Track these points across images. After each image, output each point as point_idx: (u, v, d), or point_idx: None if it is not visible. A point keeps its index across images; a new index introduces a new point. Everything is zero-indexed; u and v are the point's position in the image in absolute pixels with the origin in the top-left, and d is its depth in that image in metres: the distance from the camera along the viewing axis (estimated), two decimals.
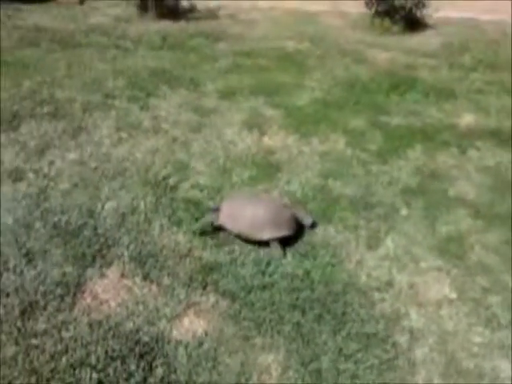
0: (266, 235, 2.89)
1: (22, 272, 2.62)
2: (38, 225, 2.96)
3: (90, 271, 2.67)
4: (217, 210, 3.04)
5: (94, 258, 2.74)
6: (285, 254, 2.86)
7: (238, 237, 2.93)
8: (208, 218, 3.03)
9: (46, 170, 3.48)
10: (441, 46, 7.07)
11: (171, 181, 3.44)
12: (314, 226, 3.09)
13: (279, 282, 2.68)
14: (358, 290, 2.69)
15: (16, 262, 2.67)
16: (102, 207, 3.15)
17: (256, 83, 5.31)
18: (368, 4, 8.33)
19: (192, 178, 3.51)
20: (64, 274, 2.62)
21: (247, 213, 2.91)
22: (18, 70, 5.16)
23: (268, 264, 2.79)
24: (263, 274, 2.72)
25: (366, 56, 6.55)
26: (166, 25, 7.31)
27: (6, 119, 4.08)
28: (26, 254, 2.73)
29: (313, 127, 4.36)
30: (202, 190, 3.37)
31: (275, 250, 2.87)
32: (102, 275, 2.66)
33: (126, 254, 2.79)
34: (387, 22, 8.00)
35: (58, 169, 3.51)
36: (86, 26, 6.89)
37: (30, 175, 3.42)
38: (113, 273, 2.68)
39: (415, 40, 7.47)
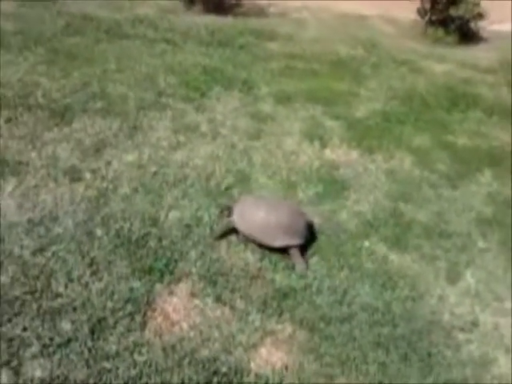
0: (278, 242, 2.81)
1: (87, 284, 2.52)
2: (99, 232, 2.87)
3: (158, 287, 2.56)
4: (229, 208, 2.98)
5: (161, 273, 2.63)
6: (307, 263, 2.80)
7: (252, 240, 2.85)
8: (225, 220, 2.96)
9: (103, 171, 3.39)
10: (497, 62, 6.89)
11: (234, 192, 3.33)
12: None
13: (359, 313, 2.56)
14: (442, 329, 2.56)
15: (80, 273, 2.57)
16: (166, 216, 3.05)
17: (311, 89, 5.19)
18: (421, 12, 8.17)
19: (255, 191, 3.39)
20: (132, 290, 2.52)
21: (260, 217, 2.83)
22: (66, 59, 5.08)
23: (345, 292, 2.67)
24: (341, 303, 2.60)
25: (422, 67, 6.40)
26: (213, 19, 7.20)
27: (58, 112, 4.00)
28: (90, 265, 2.63)
29: (376, 142, 4.22)
30: None
31: (298, 264, 2.79)
32: (171, 292, 2.55)
33: (194, 270, 2.69)
34: (441, 31, 7.83)
35: (115, 170, 3.41)
36: (132, 16, 6.80)
37: (88, 176, 3.33)
38: (182, 291, 2.57)
39: (470, 53, 7.30)
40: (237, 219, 2.90)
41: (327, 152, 3.97)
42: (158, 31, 6.42)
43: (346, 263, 2.87)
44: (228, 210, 3.00)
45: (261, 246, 2.87)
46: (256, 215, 2.86)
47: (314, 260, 2.87)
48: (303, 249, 2.90)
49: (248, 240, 2.89)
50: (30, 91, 4.27)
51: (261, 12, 7.95)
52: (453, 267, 2.98)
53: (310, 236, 2.99)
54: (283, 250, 2.85)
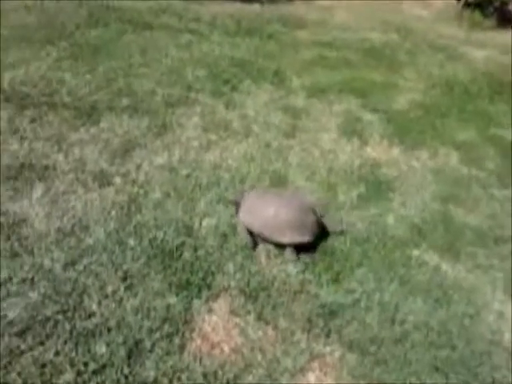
0: (285, 238, 2.69)
1: (121, 300, 2.39)
2: (132, 242, 2.73)
3: (196, 304, 2.42)
4: (237, 204, 2.87)
5: (199, 288, 2.49)
6: (298, 259, 2.69)
7: (258, 236, 2.74)
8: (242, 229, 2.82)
9: (133, 174, 3.24)
10: None
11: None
12: (342, 232, 2.90)
13: (412, 333, 2.38)
14: (504, 350, 2.37)
15: (114, 288, 2.44)
16: (200, 224, 2.90)
17: (345, 80, 4.97)
18: None
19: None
20: (169, 307, 2.38)
21: (269, 212, 2.71)
22: (91, 53, 4.94)
23: (396, 309, 2.49)
24: (392, 322, 2.42)
25: (460, 53, 6.11)
26: (239, 7, 6.99)
27: (84, 111, 3.86)
28: (124, 279, 2.50)
29: (418, 137, 4.01)
30: None
31: (289, 255, 2.70)
32: (210, 310, 2.40)
33: (233, 284, 2.53)
34: (478, 15, 7.49)
35: (146, 174, 3.26)
36: (155, 6, 6.63)
37: (118, 180, 3.19)
38: (221, 307, 2.42)
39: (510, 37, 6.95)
40: (243, 216, 2.79)
41: (367, 149, 3.77)
42: (183, 21, 6.24)
43: (396, 275, 2.69)
44: (236, 206, 2.89)
45: (267, 241, 2.76)
46: (264, 211, 2.74)
47: (360, 271, 2.68)
48: (312, 245, 2.77)
49: (257, 237, 2.78)
50: (55, 89, 4.14)
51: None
52: (511, 277, 2.76)
53: (320, 233, 2.84)
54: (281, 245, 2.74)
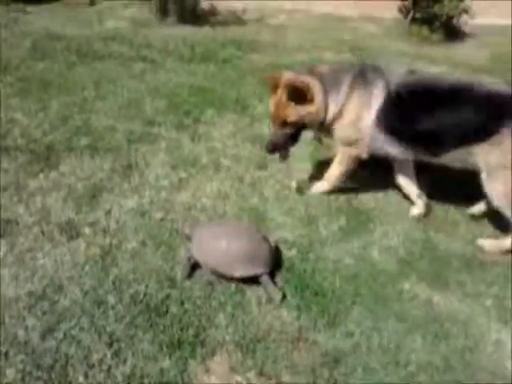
0: (239, 272, 2.66)
1: (110, 369, 2.25)
2: (112, 299, 2.59)
3: (191, 364, 2.30)
4: (189, 237, 2.85)
5: (192, 347, 2.37)
6: (275, 284, 2.68)
7: (213, 272, 2.71)
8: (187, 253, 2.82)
9: (103, 222, 3.10)
10: (489, 60, 6.83)
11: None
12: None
13: (417, 375, 2.35)
14: (505, 379, 2.37)
15: (100, 355, 2.29)
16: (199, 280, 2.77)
17: None
18: (402, 10, 8.08)
19: (274, 231, 3.15)
20: (163, 372, 2.25)
21: (219, 246, 2.68)
22: (40, 88, 4.75)
23: (398, 349, 2.46)
24: (396, 364, 2.39)
25: (415, 69, 6.25)
26: (190, 31, 6.93)
27: (41, 154, 3.68)
28: (110, 344, 2.35)
29: (388, 163, 4.02)
30: (290, 249, 3.02)
31: (273, 294, 2.65)
32: (207, 369, 2.29)
33: (227, 338, 2.44)
34: (426, 29, 7.75)
35: (117, 221, 3.12)
36: (102, 32, 6.49)
37: (87, 230, 3.03)
38: (219, 365, 2.32)
39: (460, 51, 7.24)
40: (195, 249, 2.75)
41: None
42: (133, 48, 6.12)
43: (391, 312, 2.67)
44: (188, 240, 2.85)
45: (224, 277, 2.71)
46: (214, 244, 2.70)
47: (356, 311, 2.65)
48: (271, 277, 2.73)
49: (210, 272, 2.73)
50: (6, 130, 3.93)
51: (237, 20, 7.71)
52: (501, 304, 2.80)
53: (276, 263, 2.82)
54: (253, 281, 2.69)
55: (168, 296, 2.63)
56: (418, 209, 3.38)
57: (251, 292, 2.69)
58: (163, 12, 7.26)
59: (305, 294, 2.70)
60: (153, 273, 2.76)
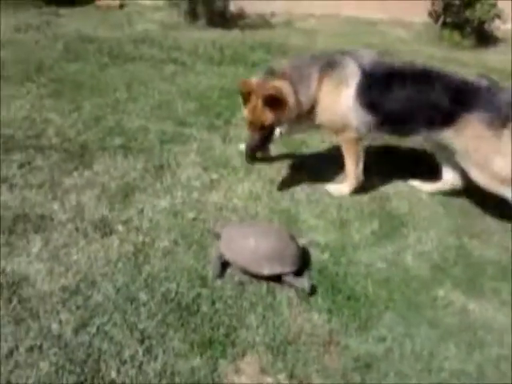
0: (267, 270, 2.67)
1: (141, 365, 2.26)
2: (144, 297, 2.61)
3: (222, 364, 2.30)
4: (218, 236, 2.88)
5: (223, 346, 2.37)
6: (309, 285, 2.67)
7: (242, 270, 2.73)
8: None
9: (136, 221, 3.13)
10: None
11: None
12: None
13: (451, 382, 2.31)
14: None
15: (132, 352, 2.31)
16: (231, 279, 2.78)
17: None
18: (432, 15, 8.00)
19: (306, 233, 3.14)
20: (193, 370, 2.26)
21: (248, 244, 2.71)
22: (73, 89, 4.83)
23: (431, 356, 2.43)
24: (429, 371, 2.36)
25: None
26: (219, 34, 6.98)
27: (75, 153, 3.74)
28: (142, 340, 2.37)
29: (423, 167, 3.98)
30: (323, 252, 3.00)
31: (300, 285, 2.68)
32: (238, 370, 2.29)
33: (258, 339, 2.43)
34: (457, 34, 7.66)
35: (150, 220, 3.15)
36: (133, 35, 6.57)
37: (120, 228, 3.07)
38: (249, 366, 2.31)
39: (492, 57, 7.12)
40: (223, 247, 2.78)
41: (374, 181, 3.72)
42: (164, 50, 6.18)
43: (424, 318, 2.63)
44: (217, 238, 2.88)
45: (252, 275, 2.72)
46: (243, 242, 2.73)
47: (388, 316, 2.62)
48: (297, 276, 2.74)
49: (239, 269, 2.75)
50: (41, 130, 4.01)
51: (266, 23, 7.74)
52: None
53: (304, 263, 2.82)
54: (277, 280, 2.71)
55: (199, 295, 2.64)
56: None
57: (282, 293, 2.68)
58: (192, 15, 7.33)
59: (336, 297, 2.68)
60: (184, 271, 2.78)
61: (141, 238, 2.99)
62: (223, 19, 7.45)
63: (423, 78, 3.18)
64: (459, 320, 2.64)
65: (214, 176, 3.63)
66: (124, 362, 2.26)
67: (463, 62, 6.59)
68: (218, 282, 2.72)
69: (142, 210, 3.22)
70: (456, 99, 3.06)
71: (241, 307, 2.59)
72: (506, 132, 2.96)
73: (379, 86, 3.20)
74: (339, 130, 3.39)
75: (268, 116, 3.16)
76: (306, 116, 3.30)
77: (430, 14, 8.09)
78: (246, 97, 3.17)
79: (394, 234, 3.21)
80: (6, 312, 2.43)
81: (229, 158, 3.87)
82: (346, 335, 2.50)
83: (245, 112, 3.23)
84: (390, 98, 3.18)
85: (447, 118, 3.09)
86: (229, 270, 2.78)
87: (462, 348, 2.48)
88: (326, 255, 2.98)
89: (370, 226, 3.26)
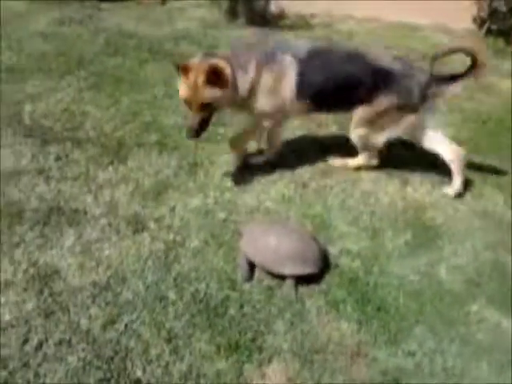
0: (287, 270, 2.67)
1: (167, 365, 2.26)
2: (173, 296, 2.61)
3: (248, 369, 2.29)
4: (240, 234, 2.91)
5: (249, 351, 2.36)
6: (297, 293, 2.66)
7: (262, 268, 2.73)
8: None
9: (168, 219, 3.14)
10: None
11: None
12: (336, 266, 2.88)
13: None
14: None
15: (159, 351, 2.31)
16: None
17: None
18: (477, 21, 7.79)
19: (338, 240, 3.09)
20: (219, 373, 2.24)
21: (270, 242, 2.72)
22: (112, 83, 4.87)
23: (462, 374, 2.36)
24: None
25: (489, 83, 6.02)
26: (259, 33, 6.93)
27: (111, 148, 3.77)
28: (169, 340, 2.37)
29: None
30: (354, 260, 2.95)
31: (287, 289, 2.68)
32: (263, 376, 2.27)
33: (285, 346, 2.40)
34: (501, 42, 7.44)
35: (181, 218, 3.16)
36: (173, 32, 6.58)
37: (152, 225, 3.08)
38: (275, 374, 2.29)
39: None
40: (244, 245, 2.79)
41: (409, 190, 3.65)
42: (202, 48, 6.13)
43: (456, 334, 2.56)
44: (240, 237, 2.90)
45: (272, 274, 2.72)
46: (264, 240, 2.74)
47: (418, 330, 2.56)
48: (317, 278, 2.74)
49: (260, 268, 2.76)
50: (79, 123, 4.06)
51: (306, 24, 7.65)
52: None
53: (324, 266, 2.81)
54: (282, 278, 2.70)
55: (228, 297, 2.63)
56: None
57: (311, 301, 2.65)
58: (232, 14, 7.31)
59: (366, 307, 2.63)
60: (214, 273, 2.77)
61: (172, 237, 2.99)
62: (263, 19, 7.40)
63: (349, 61, 3.48)
64: (492, 337, 2.56)
65: (247, 177, 3.60)
66: (150, 361, 2.27)
67: (507, 72, 6.40)
68: (247, 286, 2.70)
69: (173, 208, 3.22)
70: (374, 81, 3.41)
71: (269, 312, 2.57)
72: (421, 112, 3.52)
73: (312, 73, 3.41)
74: (268, 115, 3.51)
75: (208, 93, 3.15)
76: (243, 102, 3.39)
77: (475, 20, 7.87)
78: (184, 75, 3.17)
79: (429, 245, 3.13)
80: (36, 304, 2.47)
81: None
82: (374, 347, 2.45)
83: (183, 92, 3.22)
84: (321, 82, 3.42)
85: (366, 97, 3.46)
86: (257, 274, 2.75)
87: (494, 367, 2.41)
88: (357, 263, 2.93)
89: (404, 235, 3.19)
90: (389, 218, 3.34)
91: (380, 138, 3.61)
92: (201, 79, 3.13)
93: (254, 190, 3.47)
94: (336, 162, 3.84)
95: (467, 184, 3.76)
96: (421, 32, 7.89)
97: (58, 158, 3.60)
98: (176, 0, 8.02)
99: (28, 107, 4.22)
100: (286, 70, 3.39)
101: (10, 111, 4.08)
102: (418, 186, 3.70)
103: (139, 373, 2.21)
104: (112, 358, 2.26)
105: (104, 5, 7.42)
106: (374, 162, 3.78)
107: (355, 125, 3.59)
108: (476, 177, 3.90)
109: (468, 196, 3.66)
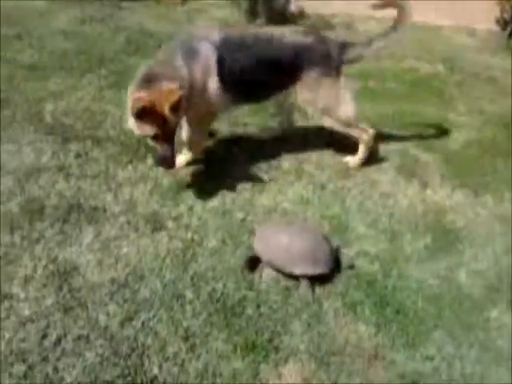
0: (298, 269, 2.67)
1: (183, 363, 2.28)
2: (190, 295, 2.63)
3: (264, 369, 2.30)
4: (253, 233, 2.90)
5: (266, 351, 2.37)
6: (313, 295, 2.67)
7: (273, 267, 2.72)
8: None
9: (186, 218, 3.16)
10: None
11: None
12: (352, 267, 2.88)
13: None
14: None
15: (176, 349, 2.33)
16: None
17: (395, 113, 4.85)
18: (500, 22, 7.71)
19: (356, 242, 3.09)
20: (235, 372, 2.25)
21: (282, 241, 2.71)
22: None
23: (481, 380, 2.35)
24: None
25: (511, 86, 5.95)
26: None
27: (131, 147, 3.80)
28: (186, 338, 2.39)
29: (480, 180, 3.85)
30: (372, 262, 2.95)
31: (304, 290, 2.69)
32: (280, 376, 2.28)
33: (301, 347, 2.41)
34: None
35: (199, 218, 3.17)
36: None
37: (170, 224, 3.10)
38: (291, 374, 2.29)
39: None
40: (257, 244, 2.80)
41: (429, 193, 3.63)
42: None
43: (475, 339, 2.55)
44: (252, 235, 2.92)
45: (283, 273, 2.73)
46: (276, 239, 2.74)
47: (437, 335, 2.55)
48: (329, 279, 2.75)
49: (271, 267, 2.75)
50: (99, 121, 4.10)
51: (326, 24, 7.63)
52: None
53: (335, 266, 2.82)
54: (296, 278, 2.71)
55: (245, 297, 2.64)
56: None
57: (328, 302, 2.65)
58: (252, 14, 7.32)
59: (385, 310, 2.63)
60: (231, 272, 2.78)
61: (189, 236, 3.01)
62: (283, 18, 7.40)
63: (267, 45, 3.43)
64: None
65: (265, 177, 3.61)
66: (167, 359, 2.29)
67: None
68: (264, 286, 2.71)
69: (191, 208, 3.24)
70: (296, 59, 3.44)
71: (286, 313, 2.58)
72: (342, 79, 3.58)
73: (233, 63, 3.34)
74: (203, 111, 3.46)
75: (174, 120, 3.03)
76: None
77: (498, 22, 7.79)
78: (143, 115, 2.96)
79: (449, 249, 3.11)
80: (55, 300, 2.50)
81: (280, 161, 3.84)
82: (392, 350, 2.45)
83: (148, 131, 3.03)
84: (243, 71, 3.35)
85: (292, 77, 3.50)
86: (266, 273, 2.75)
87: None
88: (375, 266, 2.92)
89: (423, 239, 3.17)
90: (408, 220, 3.32)
91: (345, 108, 3.63)
92: (166, 111, 2.95)
93: (272, 191, 3.48)
94: (351, 161, 3.84)
95: (487, 187, 3.72)
96: (443, 33, 7.83)
97: (78, 156, 3.64)
98: (196, 0, 8.05)
99: (49, 105, 4.27)
100: (211, 64, 3.31)
101: (31, 109, 4.13)
102: (438, 189, 3.68)
103: (156, 370, 2.23)
104: (129, 355, 2.28)
105: (124, 3, 7.47)
106: (371, 131, 3.79)
107: (314, 113, 3.79)
108: (498, 181, 3.86)
109: (489, 200, 3.63)
